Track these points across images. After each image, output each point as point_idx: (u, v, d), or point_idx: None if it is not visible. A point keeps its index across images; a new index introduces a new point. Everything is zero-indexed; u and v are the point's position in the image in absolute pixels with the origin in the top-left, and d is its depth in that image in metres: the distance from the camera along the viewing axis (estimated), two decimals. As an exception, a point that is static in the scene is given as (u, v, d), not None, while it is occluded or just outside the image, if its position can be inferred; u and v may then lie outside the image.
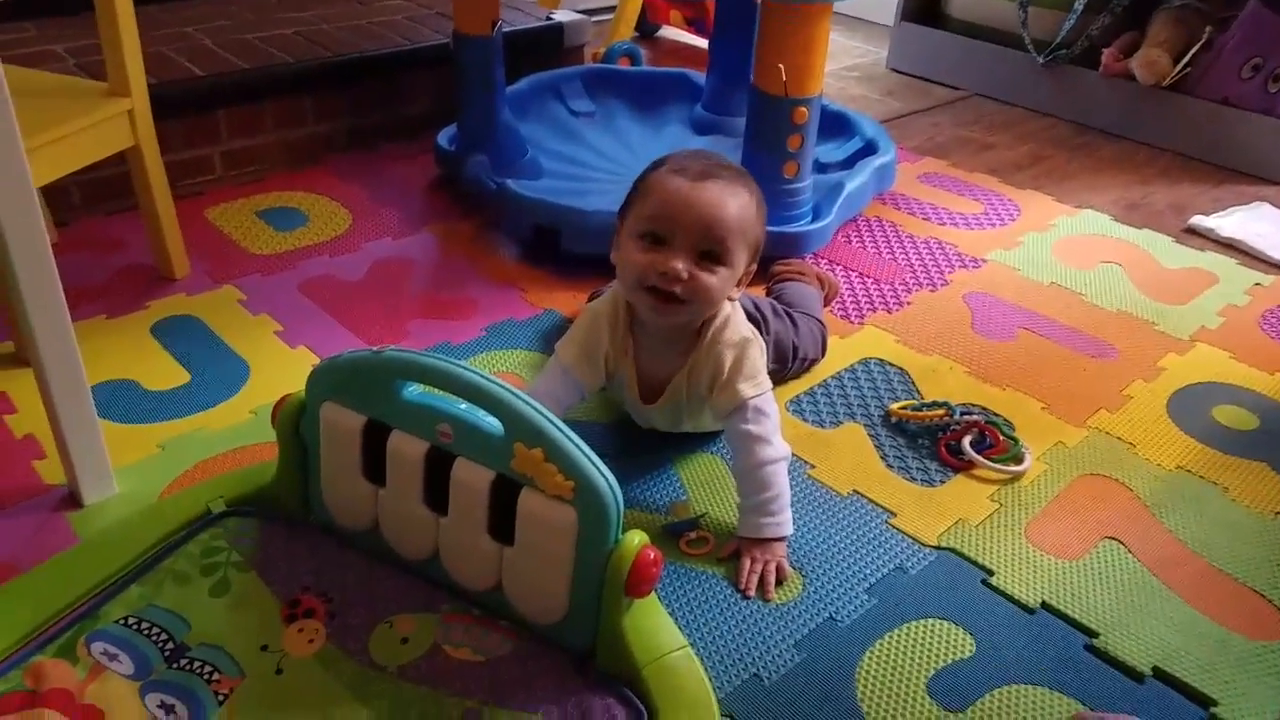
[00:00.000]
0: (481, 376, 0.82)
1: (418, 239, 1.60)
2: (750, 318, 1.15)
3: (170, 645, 0.84)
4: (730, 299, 1.02)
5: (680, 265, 0.95)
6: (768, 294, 1.38)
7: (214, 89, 1.68)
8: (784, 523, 0.99)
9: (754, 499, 0.99)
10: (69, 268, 0.91)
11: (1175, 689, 0.89)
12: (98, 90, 1.25)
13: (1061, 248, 1.66)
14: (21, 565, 0.92)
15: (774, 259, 1.45)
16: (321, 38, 1.91)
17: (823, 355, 1.30)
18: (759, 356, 1.04)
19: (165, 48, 1.78)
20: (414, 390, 0.87)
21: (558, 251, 1.49)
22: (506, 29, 1.65)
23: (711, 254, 0.96)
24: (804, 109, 1.44)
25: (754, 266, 1.03)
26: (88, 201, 1.57)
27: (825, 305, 1.41)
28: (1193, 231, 1.73)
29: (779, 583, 0.97)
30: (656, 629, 0.85)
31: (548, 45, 2.11)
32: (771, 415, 1.01)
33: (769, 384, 1.03)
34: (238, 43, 1.85)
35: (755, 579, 0.96)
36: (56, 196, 1.50)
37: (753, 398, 1.00)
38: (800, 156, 1.49)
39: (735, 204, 0.97)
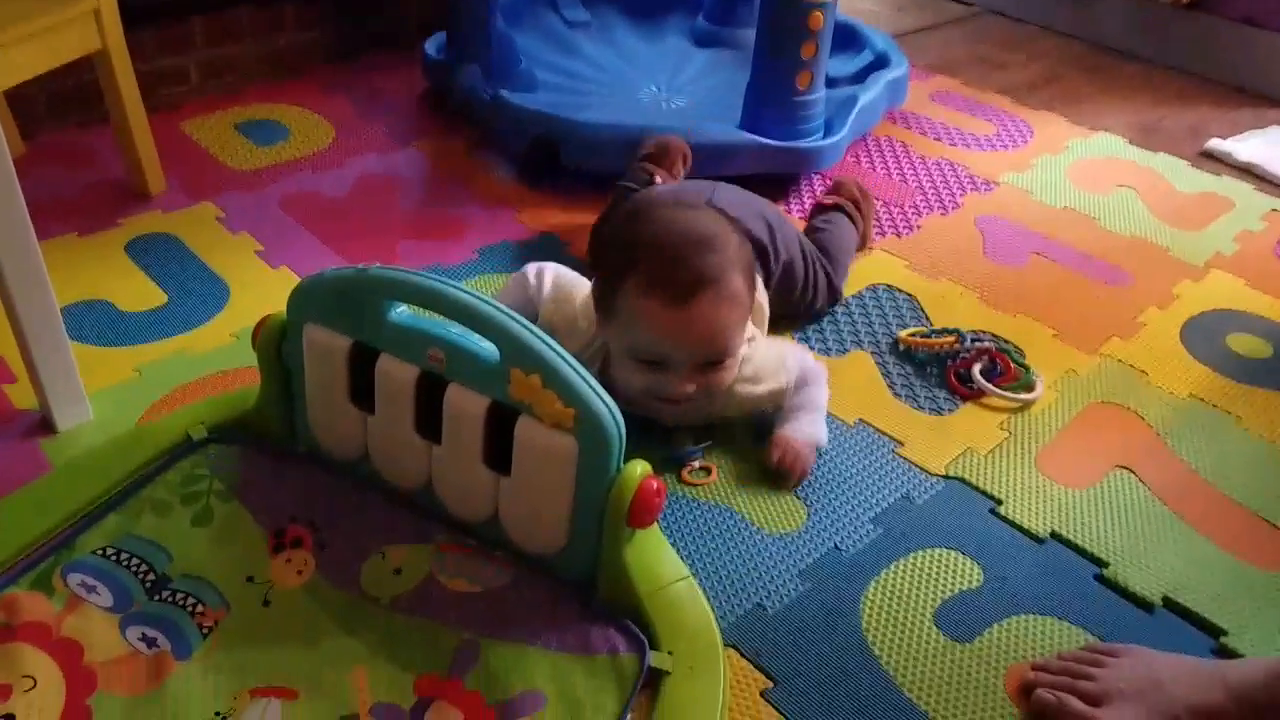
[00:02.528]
0: (475, 297, 0.78)
1: (405, 155, 1.52)
2: (756, 242, 1.08)
3: (151, 576, 0.81)
4: None
5: (689, 387, 0.91)
6: (809, 222, 1.30)
7: (186, -8, 1.58)
8: (822, 432, 1.00)
9: (801, 405, 1.00)
10: (36, 183, 0.86)
11: (1185, 619, 0.87)
12: (60, -12, 1.16)
13: (1075, 171, 1.60)
14: (-8, 493, 0.88)
15: (785, 176, 1.38)
16: (301, -60, 1.80)
17: (830, 305, 1.23)
18: (764, 352, 1.00)
19: (133, -52, 1.67)
20: (402, 311, 0.82)
21: (551, 168, 1.43)
22: (497, -69, 1.54)
23: (715, 361, 0.91)
24: (819, 13, 1.36)
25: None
26: (55, 112, 1.49)
27: (860, 246, 1.33)
28: (1209, 155, 1.68)
29: (800, 478, 0.97)
30: (658, 559, 0.83)
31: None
32: (798, 357, 1.02)
33: (778, 353, 1.01)
34: (212, -56, 1.74)
35: (790, 459, 0.96)
36: (21, 105, 1.41)
37: (791, 377, 1.00)
38: (814, 66, 1.41)
39: (727, 309, 0.88)
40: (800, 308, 1.19)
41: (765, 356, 1.00)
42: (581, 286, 1.03)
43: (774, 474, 0.97)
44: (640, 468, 0.77)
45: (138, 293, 1.18)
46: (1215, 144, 1.68)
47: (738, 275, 0.90)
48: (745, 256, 0.93)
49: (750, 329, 0.99)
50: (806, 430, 0.98)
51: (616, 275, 0.90)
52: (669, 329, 0.88)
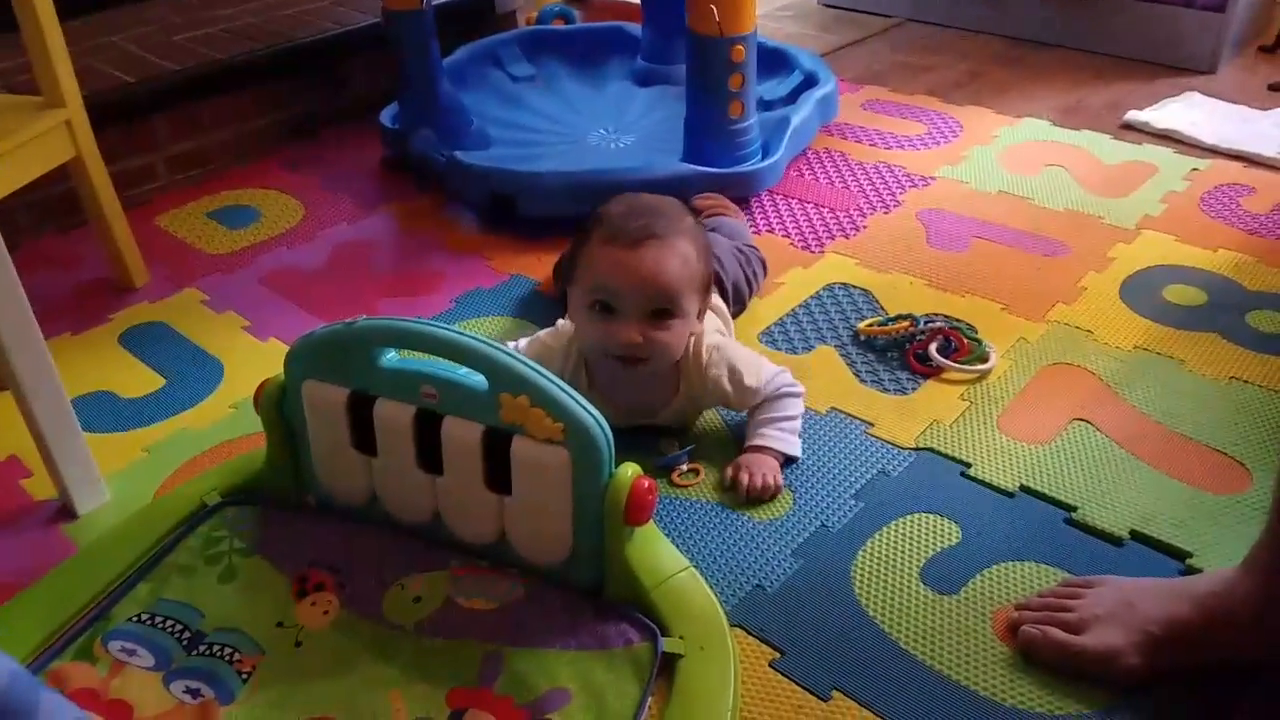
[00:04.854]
0: (458, 334, 0.84)
1: (375, 220, 1.60)
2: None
3: (186, 634, 0.86)
4: (694, 333, 1.04)
5: (634, 335, 0.97)
6: None
7: (147, 94, 1.66)
8: (794, 443, 1.04)
9: (770, 414, 1.04)
10: (26, 289, 0.92)
11: (1152, 548, 0.94)
12: (32, 104, 1.24)
13: (1006, 157, 1.69)
14: (24, 580, 0.92)
15: (730, 199, 1.46)
16: (250, 31, 1.89)
17: (764, 275, 1.33)
18: (740, 350, 1.07)
19: (91, 60, 1.75)
20: (392, 357, 0.88)
21: (515, 217, 1.50)
22: (436, 0, 1.64)
23: (662, 312, 0.98)
24: (741, 46, 1.46)
25: (710, 298, 1.05)
26: (35, 222, 1.55)
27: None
28: (1129, 127, 1.78)
29: (773, 496, 1.00)
30: (659, 554, 0.88)
31: (479, 14, 2.10)
32: (777, 372, 1.06)
33: (760, 358, 1.07)
34: (165, 45, 1.82)
35: (757, 480, 0.99)
36: (2, 219, 1.48)
37: (767, 380, 1.05)
38: (743, 95, 1.50)
39: (675, 261, 0.97)
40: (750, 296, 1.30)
41: (743, 355, 1.06)
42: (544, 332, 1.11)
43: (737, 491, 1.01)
44: (631, 469, 0.83)
45: (137, 379, 1.24)
46: (1134, 115, 1.79)
47: (687, 243, 0.99)
48: (699, 236, 1.01)
49: (718, 324, 1.07)
50: (773, 445, 1.03)
51: (583, 235, 1.00)
52: (619, 267, 0.96)
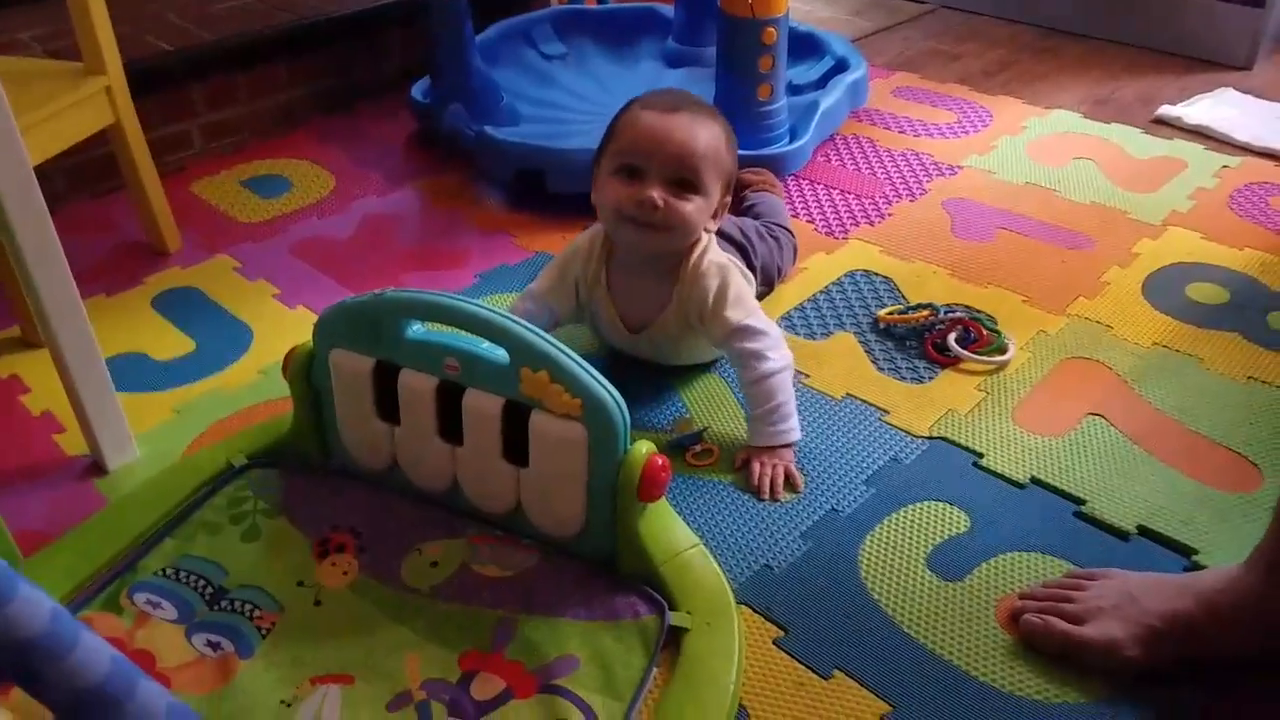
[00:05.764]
0: (483, 308, 0.86)
1: (403, 194, 1.62)
2: (736, 243, 1.19)
3: (209, 590, 0.89)
4: (708, 230, 1.05)
5: (656, 194, 0.98)
6: (740, 204, 1.41)
7: (184, 63, 1.68)
8: (789, 430, 1.03)
9: (759, 409, 1.03)
10: (63, 252, 0.95)
11: (1159, 543, 0.94)
12: (73, 70, 1.26)
13: (1034, 148, 1.68)
14: (55, 532, 0.96)
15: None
16: (286, 3, 1.91)
17: (794, 260, 1.35)
18: (742, 281, 1.08)
19: (130, 27, 1.77)
20: (417, 329, 0.90)
21: (543, 194, 1.52)
22: (469, -23, 1.64)
23: (685, 182, 1.00)
24: (772, 29, 1.46)
25: (729, 199, 1.07)
26: (72, 186, 1.58)
27: None
28: (1161, 121, 1.76)
29: (789, 487, 1.01)
30: (670, 530, 0.90)
31: (511, -9, 2.10)
32: (768, 330, 1.05)
33: (756, 304, 1.08)
34: (202, 15, 1.85)
35: (767, 481, 1.00)
36: (40, 183, 1.51)
37: (742, 321, 1.04)
38: (772, 78, 1.50)
39: (705, 133, 1.00)
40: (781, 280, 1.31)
41: (741, 290, 1.06)
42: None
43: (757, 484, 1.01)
44: (646, 446, 0.84)
45: (168, 342, 1.27)
46: (1166, 110, 1.77)
47: (718, 127, 1.03)
48: (729, 131, 1.05)
49: (741, 268, 1.09)
50: (777, 444, 1.02)
51: (618, 113, 1.06)
52: (651, 129, 1.00)
